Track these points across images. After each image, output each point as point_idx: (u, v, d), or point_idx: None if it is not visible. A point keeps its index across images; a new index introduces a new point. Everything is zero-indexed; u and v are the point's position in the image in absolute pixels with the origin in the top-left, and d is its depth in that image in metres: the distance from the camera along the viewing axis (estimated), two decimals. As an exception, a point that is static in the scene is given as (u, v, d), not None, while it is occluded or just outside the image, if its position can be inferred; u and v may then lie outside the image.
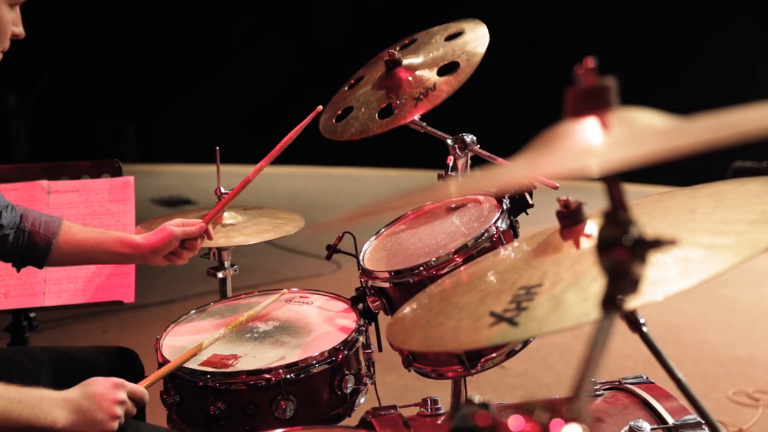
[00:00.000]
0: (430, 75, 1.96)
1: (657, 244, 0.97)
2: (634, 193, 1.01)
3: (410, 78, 1.98)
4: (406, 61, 2.01)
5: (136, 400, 1.53)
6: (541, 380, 3.09)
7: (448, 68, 1.95)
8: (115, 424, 1.46)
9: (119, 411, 1.46)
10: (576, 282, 1.12)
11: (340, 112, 2.06)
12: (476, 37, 1.98)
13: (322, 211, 5.70)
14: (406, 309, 1.43)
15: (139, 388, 1.55)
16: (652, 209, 1.24)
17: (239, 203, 2.26)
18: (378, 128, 1.95)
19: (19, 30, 1.64)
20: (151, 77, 7.62)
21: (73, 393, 1.45)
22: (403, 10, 7.04)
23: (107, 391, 1.47)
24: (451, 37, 2.04)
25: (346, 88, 2.15)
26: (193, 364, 1.67)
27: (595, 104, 0.97)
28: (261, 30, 7.76)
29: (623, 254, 0.97)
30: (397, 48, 2.09)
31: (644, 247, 0.97)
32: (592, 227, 1.20)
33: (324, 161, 6.96)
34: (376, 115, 1.98)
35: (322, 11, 7.74)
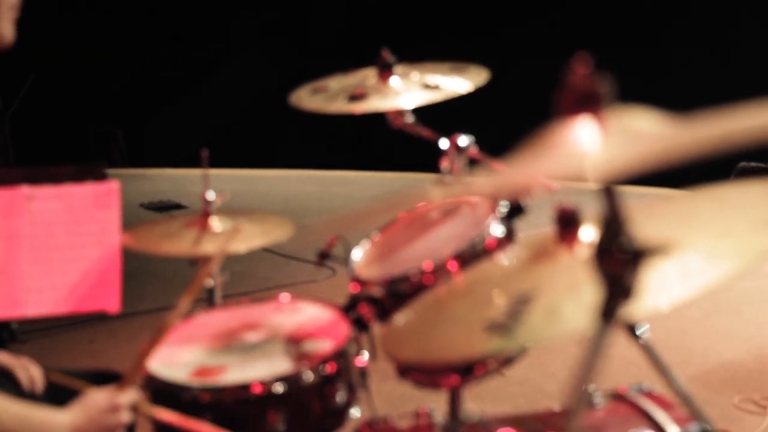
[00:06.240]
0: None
1: (654, 251, 0.93)
2: (637, 195, 0.97)
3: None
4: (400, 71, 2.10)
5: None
6: (543, 388, 3.04)
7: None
8: None
9: None
10: (572, 289, 1.08)
11: (320, 89, 2.15)
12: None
13: (317, 215, 5.63)
14: (400, 317, 1.39)
15: (133, 396, 1.52)
16: (652, 213, 1.20)
17: (227, 207, 2.20)
18: (335, 109, 2.02)
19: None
20: (141, 79, 7.54)
21: (77, 417, 1.44)
22: (402, 11, 6.99)
23: (109, 417, 1.46)
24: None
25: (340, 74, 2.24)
26: (179, 377, 1.63)
27: (589, 103, 0.93)
28: (252, 32, 7.71)
29: (620, 261, 0.93)
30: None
31: (641, 253, 0.93)
32: (588, 233, 1.16)
33: (318, 164, 6.89)
34: (347, 98, 2.05)
35: (317, 12, 7.69)
